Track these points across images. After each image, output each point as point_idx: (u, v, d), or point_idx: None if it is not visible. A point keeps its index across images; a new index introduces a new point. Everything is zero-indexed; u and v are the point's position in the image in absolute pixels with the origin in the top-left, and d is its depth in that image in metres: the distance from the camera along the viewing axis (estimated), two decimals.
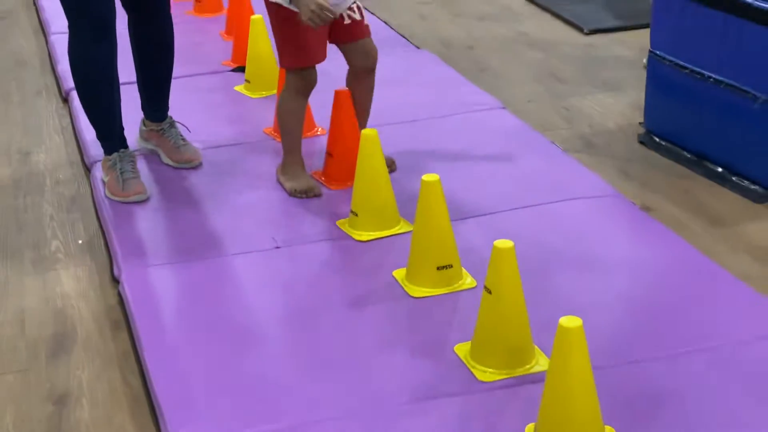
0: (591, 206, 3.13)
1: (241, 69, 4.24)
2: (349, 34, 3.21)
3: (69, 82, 4.26)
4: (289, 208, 3.19)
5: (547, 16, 5.16)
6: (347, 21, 3.19)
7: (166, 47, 3.42)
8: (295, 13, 3.01)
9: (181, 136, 3.50)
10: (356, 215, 3.03)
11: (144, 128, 3.55)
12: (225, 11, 4.90)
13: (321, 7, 2.91)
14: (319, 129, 3.67)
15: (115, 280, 2.92)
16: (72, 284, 2.95)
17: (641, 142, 3.71)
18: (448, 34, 4.97)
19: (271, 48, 4.04)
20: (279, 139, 3.69)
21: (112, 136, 3.34)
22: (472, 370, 2.39)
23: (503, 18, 5.17)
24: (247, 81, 4.10)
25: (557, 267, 2.79)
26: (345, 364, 2.45)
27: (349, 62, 3.28)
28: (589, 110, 4.02)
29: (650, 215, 3.14)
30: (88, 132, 3.75)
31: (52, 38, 4.85)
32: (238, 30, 4.37)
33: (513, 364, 2.38)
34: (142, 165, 3.46)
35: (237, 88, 4.13)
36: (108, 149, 3.34)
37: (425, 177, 2.69)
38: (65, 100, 4.24)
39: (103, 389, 2.49)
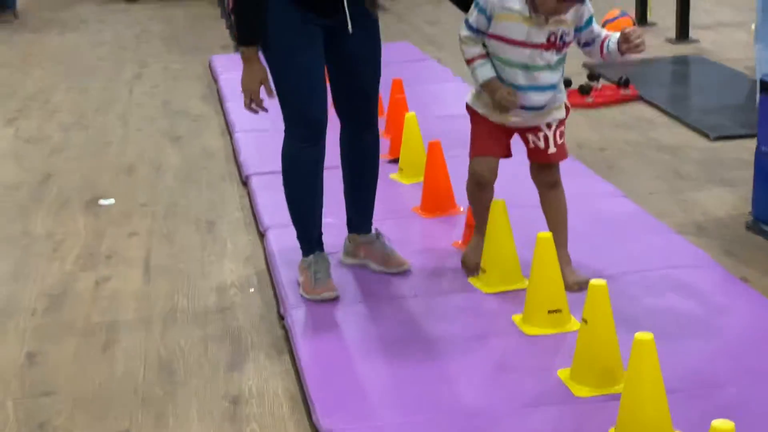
0: (692, 273, 3.58)
1: (395, 160, 4.87)
2: (531, 155, 3.57)
3: (248, 169, 4.99)
4: (431, 269, 3.74)
5: (678, 125, 5.64)
6: (531, 145, 3.53)
7: (374, 158, 3.70)
8: (477, 112, 3.50)
9: (389, 244, 3.74)
10: (485, 272, 3.56)
11: (350, 244, 3.76)
12: (385, 114, 5.56)
13: (499, 105, 3.38)
14: (460, 208, 4.22)
15: (281, 317, 3.52)
16: (245, 319, 3.56)
17: (748, 228, 4.14)
18: (585, 137, 5.50)
19: (421, 140, 4.66)
20: (424, 216, 4.28)
21: (310, 239, 3.61)
22: (570, 388, 2.87)
23: (636, 126, 5.68)
24: (401, 169, 4.72)
25: (650, 313, 3.25)
26: (468, 380, 2.97)
27: (531, 176, 3.61)
28: (704, 202, 4.47)
29: (746, 284, 3.56)
30: (263, 206, 4.43)
31: (237, 135, 5.60)
32: (395, 128, 5.02)
33: (605, 384, 2.84)
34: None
35: (392, 176, 4.75)
36: (305, 251, 3.61)
37: (540, 234, 3.22)
38: (244, 183, 4.94)
39: (268, 394, 3.07)
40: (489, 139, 3.51)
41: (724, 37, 7.64)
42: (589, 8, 3.39)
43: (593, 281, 2.84)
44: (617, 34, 3.39)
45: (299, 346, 3.20)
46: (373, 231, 3.78)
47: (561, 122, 3.50)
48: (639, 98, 6.19)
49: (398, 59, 7.04)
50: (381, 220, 4.17)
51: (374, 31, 3.53)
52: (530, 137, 3.50)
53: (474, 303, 3.46)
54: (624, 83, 6.21)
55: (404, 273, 3.69)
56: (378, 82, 3.61)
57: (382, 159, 4.94)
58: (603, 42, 3.42)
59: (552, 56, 3.38)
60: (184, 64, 7.83)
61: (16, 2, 10.37)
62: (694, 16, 7.91)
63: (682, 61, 7.14)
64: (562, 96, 3.50)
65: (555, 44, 3.37)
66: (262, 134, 5.48)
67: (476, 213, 3.66)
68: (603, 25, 7.74)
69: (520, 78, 3.38)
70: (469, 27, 3.41)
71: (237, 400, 3.05)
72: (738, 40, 7.55)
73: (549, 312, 3.21)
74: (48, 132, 6.14)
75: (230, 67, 7.21)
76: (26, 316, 3.69)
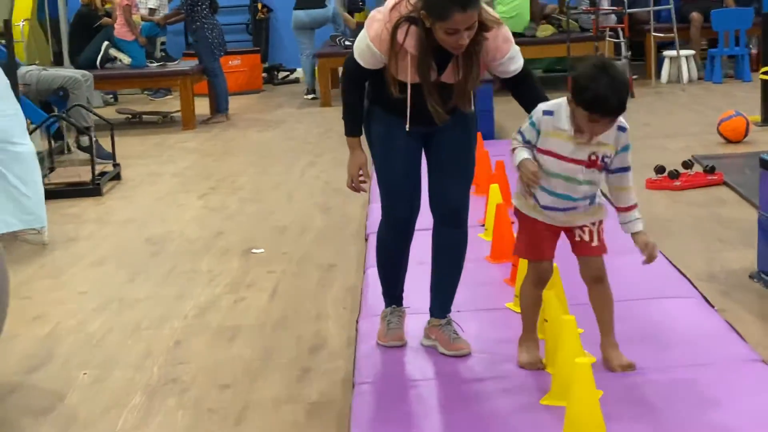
0: (675, 304, 4.57)
1: (483, 224, 5.99)
2: (577, 249, 3.86)
3: (370, 228, 6.22)
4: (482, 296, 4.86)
5: (746, 204, 6.52)
6: (577, 238, 3.83)
7: (458, 257, 4.10)
8: (526, 216, 3.82)
9: (455, 331, 4.12)
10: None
11: (427, 326, 4.18)
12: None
13: (530, 179, 3.70)
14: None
15: (357, 322, 4.71)
16: (334, 327, 4.80)
17: (750, 277, 5.06)
18: (658, 212, 6.46)
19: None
20: (491, 262, 5.39)
21: (391, 296, 4.24)
22: None
23: (708, 204, 6.61)
24: (486, 229, 5.85)
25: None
26: None
27: (580, 273, 3.89)
28: (728, 260, 5.42)
29: (721, 315, 4.47)
30: (372, 254, 5.63)
31: (371, 205, 6.87)
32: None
33: None
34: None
35: (479, 234, 5.87)
36: (386, 304, 4.26)
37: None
38: (366, 240, 6.20)
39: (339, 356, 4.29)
40: (543, 241, 3.85)
41: None
42: (626, 137, 3.74)
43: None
44: (639, 224, 3.78)
45: (360, 344, 4.34)
46: (446, 317, 4.18)
47: (601, 222, 3.87)
48: (724, 183, 7.09)
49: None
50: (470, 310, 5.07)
51: (467, 128, 4.00)
52: (577, 232, 3.85)
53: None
54: (710, 170, 7.13)
55: (464, 356, 4.04)
56: (468, 177, 4.05)
57: (477, 223, 6.13)
58: (629, 210, 3.78)
59: (593, 174, 3.74)
60: None
61: (227, 106, 12.14)
62: None
63: None
64: (600, 200, 3.86)
65: (596, 163, 3.72)
66: None
67: (529, 312, 3.96)
68: (719, 124, 8.62)
69: (559, 187, 3.74)
70: (522, 135, 3.79)
71: (307, 369, 4.29)
72: None
73: None
74: (228, 204, 7.62)
75: None
76: (180, 319, 5.05)
